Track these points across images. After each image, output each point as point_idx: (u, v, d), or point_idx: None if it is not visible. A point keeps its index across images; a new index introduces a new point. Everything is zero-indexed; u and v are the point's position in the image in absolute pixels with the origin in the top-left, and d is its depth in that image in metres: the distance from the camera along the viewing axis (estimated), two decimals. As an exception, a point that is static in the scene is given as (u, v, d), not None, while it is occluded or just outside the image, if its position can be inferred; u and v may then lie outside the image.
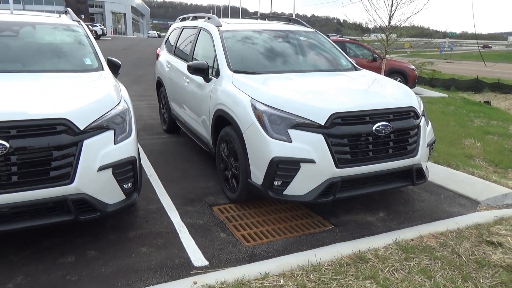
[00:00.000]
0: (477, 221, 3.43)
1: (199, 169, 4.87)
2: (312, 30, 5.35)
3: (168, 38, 6.70)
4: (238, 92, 3.76)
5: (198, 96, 4.66)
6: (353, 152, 3.34)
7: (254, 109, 3.47)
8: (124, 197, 3.10)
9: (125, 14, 64.41)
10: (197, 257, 2.96)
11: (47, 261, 2.86)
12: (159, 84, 6.63)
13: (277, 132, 3.31)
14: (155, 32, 69.80)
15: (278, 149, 3.27)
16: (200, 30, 5.15)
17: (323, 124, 3.26)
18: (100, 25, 43.50)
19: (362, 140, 3.36)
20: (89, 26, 37.30)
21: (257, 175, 3.45)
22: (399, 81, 12.43)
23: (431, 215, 3.76)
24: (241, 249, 3.11)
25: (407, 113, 3.60)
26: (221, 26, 4.76)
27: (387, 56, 12.74)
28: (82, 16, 44.61)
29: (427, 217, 3.72)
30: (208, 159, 5.14)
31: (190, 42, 5.46)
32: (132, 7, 67.54)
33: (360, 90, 3.90)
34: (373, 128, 3.35)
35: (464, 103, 11.57)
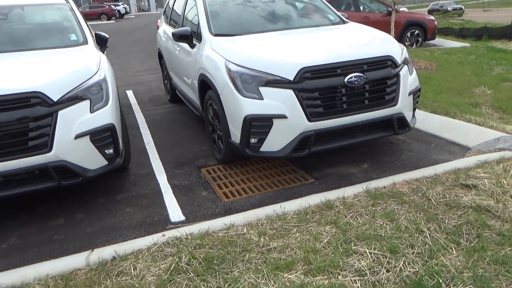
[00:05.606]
0: (457, 166, 3.37)
1: (195, 135, 5.01)
2: (300, -14, 5.21)
3: (165, 8, 6.75)
4: (215, 56, 3.80)
5: (186, 63, 4.74)
6: (326, 105, 3.33)
7: (228, 70, 3.51)
8: (106, 162, 3.28)
9: (147, -9, 64.34)
10: (175, 214, 3.13)
11: (39, 224, 3.12)
12: (160, 56, 6.76)
13: (248, 90, 3.36)
14: None
15: (250, 107, 3.32)
16: (188, -4, 5.16)
17: (292, 79, 3.26)
18: (122, 4, 43.81)
19: (335, 92, 3.34)
20: (112, 6, 37.80)
21: (236, 134, 3.53)
22: (417, 34, 11.91)
23: (416, 164, 3.72)
24: (218, 205, 3.25)
25: (383, 62, 3.51)
26: (204, -10, 4.74)
27: (404, 9, 12.14)
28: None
29: (412, 166, 3.69)
30: (204, 124, 5.26)
31: (180, 10, 5.49)
32: (153, -17, 67.24)
33: (336, 43, 3.81)
34: (345, 80, 3.31)
35: (487, 51, 10.95)
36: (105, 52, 4.69)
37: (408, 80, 3.72)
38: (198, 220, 2.99)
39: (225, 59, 3.60)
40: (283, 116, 3.27)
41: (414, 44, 11.93)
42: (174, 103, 6.63)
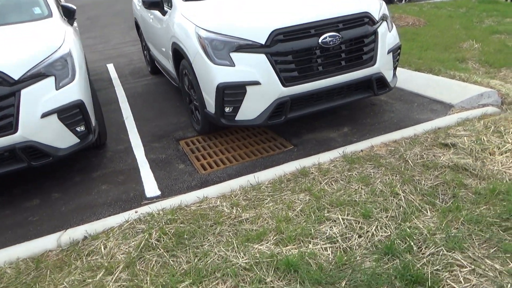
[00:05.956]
0: (437, 125, 3.30)
1: (175, 106, 4.89)
2: None
3: (138, -25, 6.43)
4: (185, 22, 3.62)
5: (160, 32, 4.55)
6: (300, 68, 3.21)
7: (198, 37, 3.35)
8: (78, 140, 3.19)
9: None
10: (151, 189, 3.08)
11: (14, 206, 3.07)
12: (137, 26, 6.52)
13: (220, 57, 3.22)
14: None
15: (222, 75, 3.20)
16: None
17: (264, 43, 3.12)
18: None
19: (309, 55, 3.21)
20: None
21: (210, 104, 3.42)
22: (407, -12, 11.51)
23: (397, 125, 3.65)
24: (195, 177, 3.20)
25: (360, 19, 3.36)
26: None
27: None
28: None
29: (393, 127, 3.61)
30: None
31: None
32: None
33: (309, 2, 3.61)
34: (320, 40, 3.18)
35: (478, 3, 10.61)
36: (73, 24, 4.50)
37: (387, 37, 3.58)
38: (174, 194, 2.94)
39: (195, 25, 3.44)
40: (256, 83, 3.15)
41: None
42: (155, 74, 6.46)
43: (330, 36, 3.19)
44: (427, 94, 4.18)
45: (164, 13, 4.26)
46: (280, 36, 3.13)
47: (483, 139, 2.98)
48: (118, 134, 4.23)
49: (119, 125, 4.48)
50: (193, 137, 3.98)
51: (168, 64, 4.69)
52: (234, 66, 3.18)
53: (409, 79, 4.51)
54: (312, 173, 2.81)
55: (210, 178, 3.15)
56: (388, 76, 3.63)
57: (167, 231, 2.31)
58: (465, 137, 3.01)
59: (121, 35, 11.05)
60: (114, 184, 3.23)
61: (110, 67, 7.42)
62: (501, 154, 2.79)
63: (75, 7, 4.36)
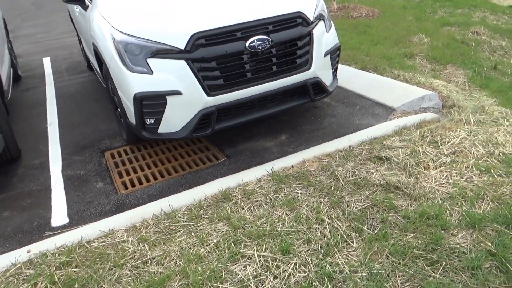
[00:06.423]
0: (374, 134, 3.10)
1: (107, 109, 4.49)
2: None
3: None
4: (101, 22, 3.22)
5: (84, 28, 4.12)
6: (226, 76, 2.91)
7: (113, 39, 2.98)
8: (-25, 160, 2.79)
9: None
10: (59, 216, 2.72)
11: None
12: (71, 19, 5.99)
13: (136, 64, 2.87)
14: None
15: (139, 83, 2.85)
16: None
17: (183, 48, 2.79)
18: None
19: (235, 60, 2.91)
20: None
21: (132, 114, 3.08)
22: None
23: (337, 132, 3.44)
24: (112, 199, 2.86)
25: (292, 20, 3.08)
26: None
27: None
28: None
29: (331, 134, 3.40)
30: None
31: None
32: None
33: (234, 1, 3.30)
34: (247, 44, 2.88)
35: (432, -8, 10.59)
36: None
37: (324, 38, 3.32)
38: (82, 223, 2.61)
39: (110, 26, 3.05)
40: (177, 92, 2.83)
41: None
42: (93, 70, 5.97)
43: (258, 40, 2.90)
44: (370, 96, 3.99)
45: (85, 8, 3.84)
46: (202, 40, 2.81)
47: (419, 150, 2.81)
48: (37, 145, 3.81)
49: (41, 133, 4.05)
50: (120, 148, 3.63)
51: (95, 63, 4.27)
52: (152, 73, 2.84)
53: (353, 79, 4.31)
54: (235, 196, 2.54)
55: (128, 201, 2.83)
56: (327, 80, 3.40)
57: (57, 279, 1.99)
58: (400, 149, 2.83)
59: (66, 24, 10.29)
60: (18, 210, 2.84)
61: (46, 61, 6.87)
62: (436, 168, 2.63)
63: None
